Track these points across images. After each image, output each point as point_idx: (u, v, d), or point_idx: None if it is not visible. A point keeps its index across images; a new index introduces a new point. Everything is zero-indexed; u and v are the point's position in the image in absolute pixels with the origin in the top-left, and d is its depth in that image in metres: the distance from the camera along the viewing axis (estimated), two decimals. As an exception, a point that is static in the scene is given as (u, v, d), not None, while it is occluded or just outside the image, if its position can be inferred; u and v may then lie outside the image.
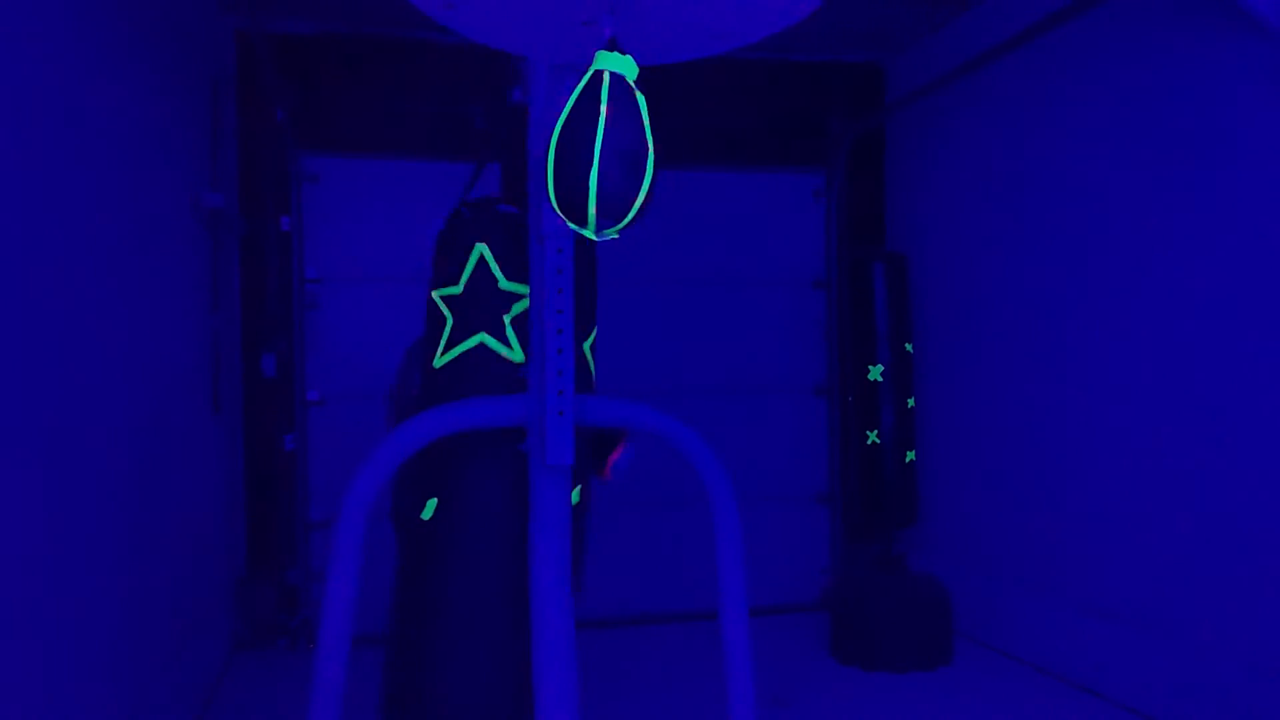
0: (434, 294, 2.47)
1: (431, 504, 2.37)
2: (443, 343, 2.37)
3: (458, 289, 2.38)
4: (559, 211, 1.53)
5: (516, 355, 2.34)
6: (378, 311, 5.34)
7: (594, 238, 1.56)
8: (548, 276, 1.94)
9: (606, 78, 1.48)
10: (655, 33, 1.77)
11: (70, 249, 2.71)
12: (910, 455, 4.96)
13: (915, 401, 5.04)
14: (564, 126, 1.49)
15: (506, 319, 2.33)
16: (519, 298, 2.34)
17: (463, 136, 5.37)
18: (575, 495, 2.33)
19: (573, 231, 1.93)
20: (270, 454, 5.23)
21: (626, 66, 1.50)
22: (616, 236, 1.57)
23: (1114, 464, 4.21)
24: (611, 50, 1.50)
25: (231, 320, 5.04)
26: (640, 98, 1.51)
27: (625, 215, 1.52)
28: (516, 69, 2.43)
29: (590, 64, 1.53)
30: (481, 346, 2.30)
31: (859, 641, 4.75)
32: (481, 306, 2.30)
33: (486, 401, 2.21)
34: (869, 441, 4.95)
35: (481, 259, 2.33)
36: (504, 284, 2.31)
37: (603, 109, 1.46)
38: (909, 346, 5.00)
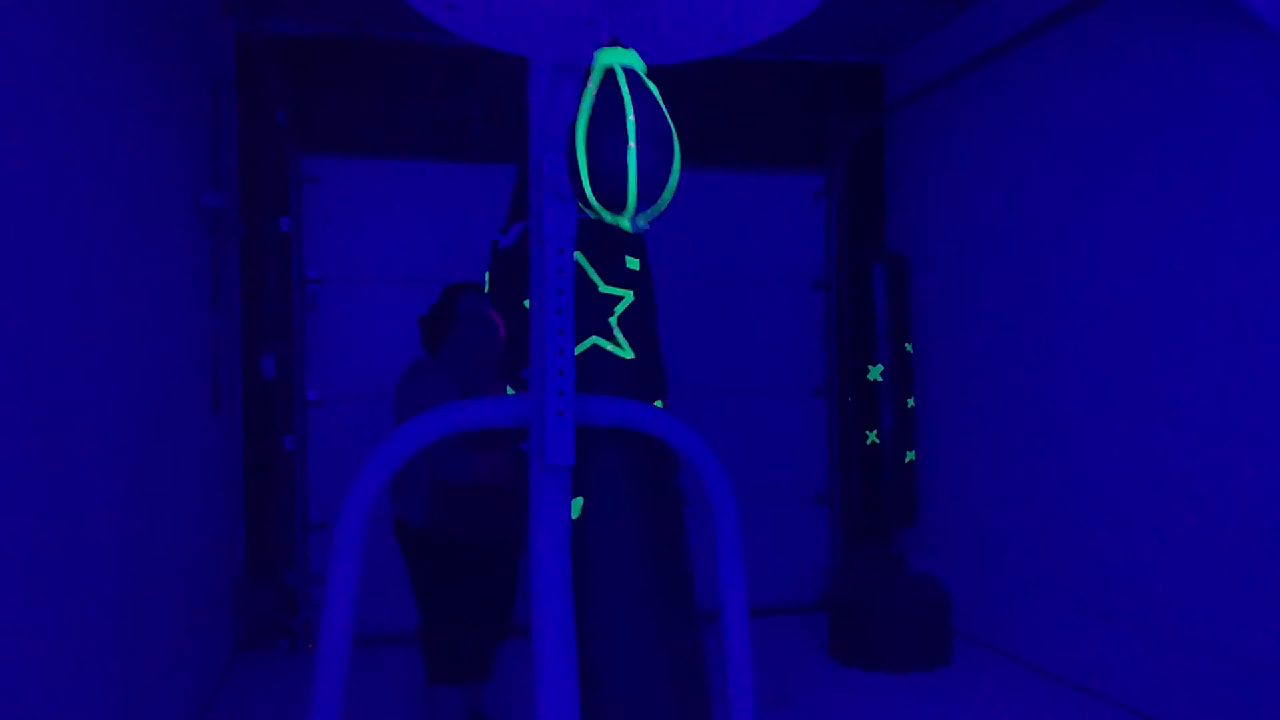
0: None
1: (578, 502, 2.36)
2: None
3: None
4: (596, 205, 1.53)
5: (627, 352, 2.41)
6: (378, 312, 5.34)
7: (629, 228, 1.56)
8: (548, 276, 1.94)
9: (620, 72, 1.49)
10: (656, 33, 1.77)
11: (70, 249, 2.71)
12: (910, 455, 4.96)
13: (915, 401, 5.03)
14: (590, 123, 1.49)
15: (612, 321, 2.41)
16: (619, 299, 2.42)
17: (462, 137, 5.38)
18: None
19: (574, 233, 1.94)
20: (270, 454, 5.23)
21: (633, 60, 1.51)
22: (647, 226, 1.57)
23: (1114, 464, 4.21)
24: (614, 46, 1.51)
25: (231, 320, 5.04)
26: (653, 86, 1.53)
27: (660, 198, 1.54)
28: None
29: (591, 62, 1.53)
30: (595, 349, 2.34)
31: (859, 641, 4.75)
32: (586, 312, 2.31)
33: (487, 401, 2.21)
34: (869, 441, 4.95)
35: (578, 266, 2.33)
36: (604, 288, 2.36)
37: (627, 99, 1.48)
38: (909, 346, 5.00)
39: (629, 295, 2.48)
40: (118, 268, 3.16)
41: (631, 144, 1.48)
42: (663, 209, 1.56)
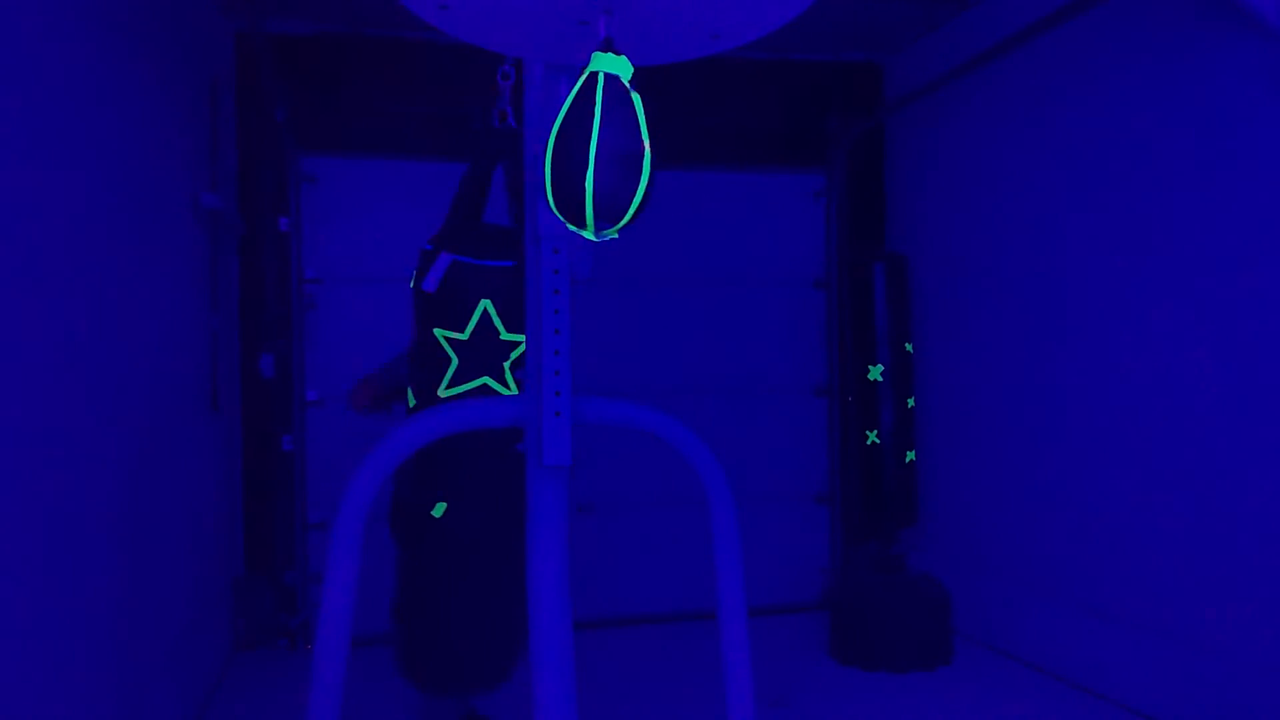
0: (436, 332, 2.76)
1: (441, 506, 2.73)
2: (448, 379, 2.71)
3: (464, 335, 2.69)
4: (558, 214, 1.54)
5: (514, 393, 2.71)
6: (376, 312, 5.34)
7: (594, 238, 1.57)
8: (544, 277, 1.94)
9: (601, 79, 1.48)
10: (652, 33, 1.76)
11: (68, 249, 2.71)
12: (910, 455, 4.95)
13: (915, 401, 5.03)
14: (560, 129, 1.49)
15: (506, 365, 2.72)
16: (516, 345, 2.73)
17: (461, 137, 5.37)
18: None
19: (570, 232, 1.93)
20: (269, 454, 5.23)
21: (621, 67, 1.50)
22: (616, 236, 1.58)
23: (1114, 464, 4.20)
24: (607, 51, 1.50)
25: (230, 320, 5.04)
26: (636, 98, 1.51)
27: (622, 217, 1.53)
28: (499, 89, 2.60)
29: (586, 65, 1.52)
30: (484, 387, 2.68)
31: (859, 641, 4.75)
32: (484, 353, 2.65)
33: (484, 402, 2.22)
34: (869, 441, 4.95)
35: (485, 312, 2.65)
36: (504, 335, 2.66)
37: (597, 111, 1.47)
38: (909, 346, 5.00)
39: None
40: (116, 268, 3.15)
41: (590, 166, 1.47)
42: (627, 224, 1.55)
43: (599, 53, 1.50)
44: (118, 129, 3.20)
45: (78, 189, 2.79)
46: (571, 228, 1.55)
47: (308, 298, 5.31)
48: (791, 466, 5.98)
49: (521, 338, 2.70)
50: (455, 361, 2.68)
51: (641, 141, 1.50)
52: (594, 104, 1.47)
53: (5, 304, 2.26)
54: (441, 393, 2.77)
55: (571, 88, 1.51)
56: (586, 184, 1.47)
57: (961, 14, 5.19)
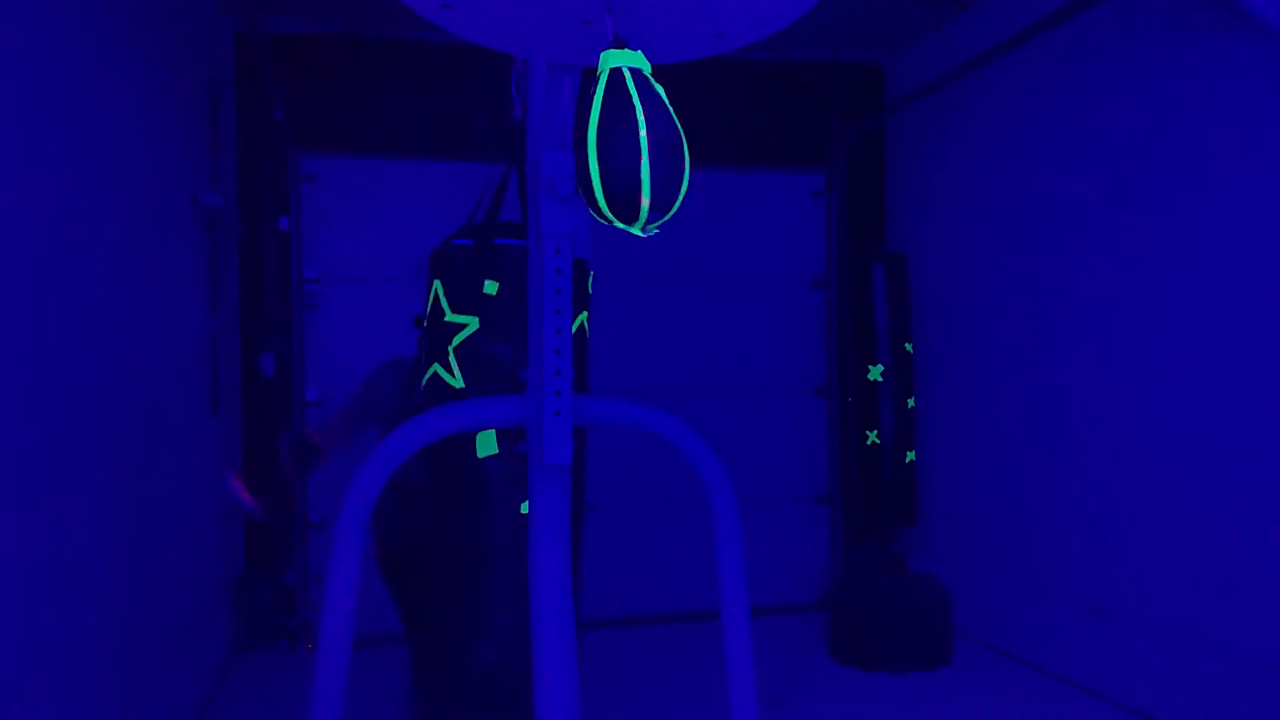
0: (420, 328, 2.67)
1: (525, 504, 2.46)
2: (423, 369, 2.57)
3: (424, 323, 2.57)
4: (607, 213, 1.51)
5: (457, 383, 2.47)
6: (376, 312, 5.33)
7: (640, 234, 1.55)
8: (546, 277, 1.93)
9: (628, 74, 1.47)
10: (655, 33, 1.76)
11: (68, 248, 2.71)
12: (910, 455, 4.95)
13: (915, 401, 5.03)
14: (600, 130, 1.47)
15: (450, 349, 2.50)
16: (461, 328, 2.49)
17: (461, 137, 5.37)
18: None
19: (570, 233, 1.93)
20: (269, 454, 5.22)
21: (640, 61, 1.49)
22: (657, 231, 1.56)
23: (1114, 464, 4.20)
24: (620, 48, 1.49)
25: (230, 320, 5.04)
26: (660, 88, 1.51)
27: (672, 206, 1.52)
28: (518, 84, 2.48)
29: (590, 63, 1.52)
30: (435, 375, 2.49)
31: (858, 641, 4.75)
32: (434, 339, 2.48)
33: (486, 402, 2.20)
34: (869, 441, 4.94)
35: (435, 294, 2.50)
36: (449, 316, 2.47)
37: (638, 106, 1.46)
38: (909, 346, 4.99)
39: (472, 322, 2.50)
40: (116, 267, 3.15)
41: (645, 156, 1.46)
42: (672, 215, 1.54)
43: (612, 50, 1.49)
44: (116, 128, 3.20)
45: (75, 188, 2.79)
46: (620, 225, 1.53)
47: (308, 298, 5.30)
48: (791, 466, 5.98)
49: (466, 319, 2.48)
50: (422, 353, 2.55)
51: (678, 129, 1.50)
52: (631, 101, 1.46)
53: (2, 304, 2.26)
54: (423, 383, 2.60)
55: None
56: (644, 179, 1.46)
57: (961, 14, 5.19)
